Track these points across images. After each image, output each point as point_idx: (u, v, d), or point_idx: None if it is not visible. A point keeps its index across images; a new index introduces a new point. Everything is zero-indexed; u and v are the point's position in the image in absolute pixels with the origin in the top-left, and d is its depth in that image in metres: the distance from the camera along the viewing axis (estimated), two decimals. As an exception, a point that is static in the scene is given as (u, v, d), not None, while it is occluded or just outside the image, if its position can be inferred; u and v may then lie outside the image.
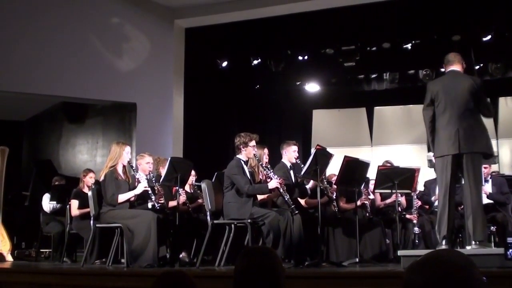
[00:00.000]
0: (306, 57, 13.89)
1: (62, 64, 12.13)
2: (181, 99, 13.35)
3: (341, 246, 8.91)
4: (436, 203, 9.85)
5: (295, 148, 9.12)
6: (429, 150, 7.21)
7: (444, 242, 6.77)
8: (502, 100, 14.78)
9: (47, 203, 11.05)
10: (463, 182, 6.94)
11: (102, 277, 7.48)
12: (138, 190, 8.48)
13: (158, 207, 8.43)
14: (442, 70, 13.26)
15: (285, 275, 2.95)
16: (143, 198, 8.68)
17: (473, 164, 6.79)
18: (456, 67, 7.19)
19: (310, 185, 9.15)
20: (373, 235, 9.16)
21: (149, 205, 8.55)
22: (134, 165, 8.98)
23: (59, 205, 10.93)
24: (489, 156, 7.02)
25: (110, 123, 13.63)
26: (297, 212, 8.02)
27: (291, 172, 9.01)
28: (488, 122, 7.24)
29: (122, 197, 8.39)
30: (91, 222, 8.66)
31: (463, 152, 6.78)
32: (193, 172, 9.66)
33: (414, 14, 12.15)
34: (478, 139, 6.84)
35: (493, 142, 14.31)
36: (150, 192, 8.49)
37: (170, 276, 3.09)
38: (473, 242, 6.64)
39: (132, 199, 8.56)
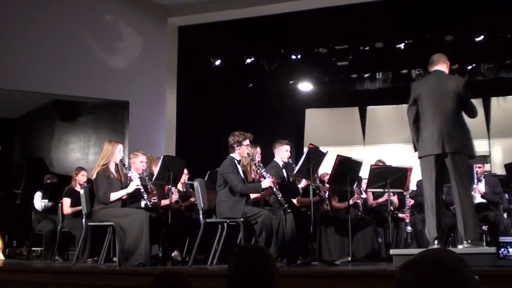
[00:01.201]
0: (299, 56, 13.88)
1: (54, 62, 12.10)
2: (174, 98, 13.34)
3: (334, 245, 8.91)
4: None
5: (287, 147, 9.13)
6: (415, 150, 7.24)
7: (436, 242, 6.78)
8: (494, 100, 14.83)
9: (39, 201, 11.03)
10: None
11: (94, 275, 7.47)
12: (130, 188, 8.46)
13: (150, 206, 8.41)
14: (430, 67, 13.42)
15: (278, 274, 2.95)
16: (135, 196, 8.66)
17: (457, 164, 6.80)
18: (441, 67, 7.20)
19: (302, 184, 9.16)
20: (366, 234, 9.17)
21: (142, 203, 8.52)
22: (126, 163, 8.97)
23: (50, 203, 10.90)
24: (472, 157, 7.03)
25: (103, 121, 13.61)
26: (289, 211, 8.02)
27: (284, 171, 9.01)
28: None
29: (114, 196, 8.37)
30: (83, 220, 8.62)
31: (446, 152, 6.80)
32: (185, 171, 9.65)
33: (407, 14, 12.17)
34: (460, 139, 6.84)
35: (485, 142, 14.51)
36: (142, 190, 8.47)
37: (168, 276, 3.10)
38: (465, 242, 6.66)
39: (124, 197, 8.54)
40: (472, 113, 7.02)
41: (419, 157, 7.05)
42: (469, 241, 6.64)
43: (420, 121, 7.05)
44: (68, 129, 14.28)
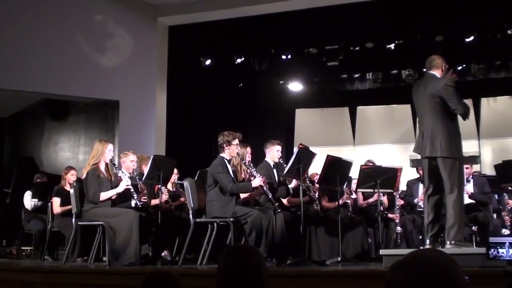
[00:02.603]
0: (289, 56, 13.88)
1: (44, 61, 12.06)
2: (164, 97, 13.31)
3: (323, 245, 8.91)
4: (420, 203, 9.93)
5: (278, 147, 9.14)
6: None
7: (428, 241, 6.83)
8: (484, 101, 14.87)
9: (29, 200, 11.00)
10: None
11: (84, 275, 7.46)
12: (120, 188, 8.45)
13: (140, 206, 8.39)
14: (425, 70, 13.43)
15: (268, 274, 2.95)
16: (125, 196, 8.65)
17: (444, 167, 6.86)
18: (433, 71, 7.24)
19: (292, 184, 9.16)
20: (355, 234, 9.18)
21: (132, 203, 8.50)
22: (116, 162, 8.95)
23: (40, 202, 10.88)
24: (458, 160, 7.03)
25: (93, 120, 13.57)
26: (279, 210, 8.03)
27: (274, 171, 9.02)
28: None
29: (104, 195, 8.36)
30: (73, 219, 8.61)
31: (427, 155, 6.90)
32: (175, 170, 9.65)
33: (398, 14, 12.17)
34: (441, 143, 6.87)
35: (475, 143, 14.54)
36: (132, 190, 8.46)
37: (157, 276, 3.10)
38: (447, 242, 6.72)
39: (114, 197, 8.53)
40: (461, 113, 7.03)
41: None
42: (452, 242, 6.70)
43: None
44: (58, 129, 14.24)
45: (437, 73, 7.21)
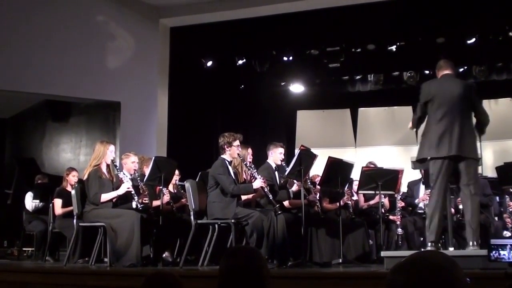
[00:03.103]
0: (291, 58, 13.87)
1: (46, 62, 12.07)
2: (165, 99, 13.32)
3: (325, 246, 8.90)
4: (420, 204, 9.92)
5: (281, 150, 9.14)
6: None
7: (429, 245, 6.80)
8: (485, 103, 14.82)
9: (30, 202, 11.01)
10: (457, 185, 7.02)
11: (85, 276, 7.46)
12: (121, 190, 8.46)
13: (141, 208, 8.38)
14: (427, 72, 13.45)
15: (269, 276, 2.95)
16: (126, 197, 8.65)
17: (469, 169, 6.86)
18: (450, 71, 7.23)
19: (294, 188, 9.14)
20: (356, 236, 9.18)
21: (133, 204, 8.50)
22: (117, 164, 8.95)
23: (41, 203, 10.89)
24: (477, 161, 7.07)
25: (94, 122, 13.58)
26: (280, 212, 8.03)
27: (276, 173, 9.01)
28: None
29: (104, 197, 8.36)
30: (74, 221, 8.61)
31: (458, 155, 6.85)
32: (176, 172, 9.64)
33: (399, 16, 12.17)
34: (470, 143, 6.90)
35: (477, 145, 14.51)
36: (133, 192, 8.45)
37: (159, 277, 3.10)
38: (473, 243, 6.72)
39: (115, 199, 8.53)
40: (485, 117, 7.08)
41: (431, 158, 6.99)
42: (475, 243, 6.73)
43: (430, 123, 7.01)
44: (60, 130, 14.25)
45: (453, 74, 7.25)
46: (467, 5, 11.76)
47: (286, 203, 9.15)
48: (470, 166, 6.90)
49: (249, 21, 12.91)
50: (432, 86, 7.19)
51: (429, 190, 9.45)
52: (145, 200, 8.65)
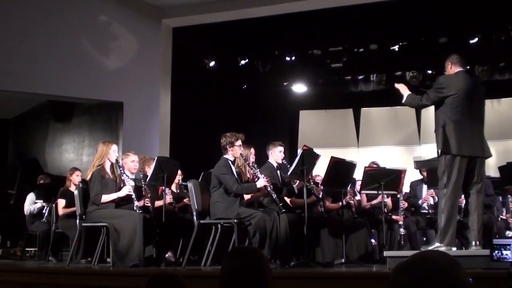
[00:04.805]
0: (293, 58, 13.88)
1: (48, 62, 12.07)
2: (168, 99, 13.33)
3: (327, 246, 8.90)
4: (424, 205, 9.92)
5: (281, 148, 9.12)
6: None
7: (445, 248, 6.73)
8: (488, 103, 14.78)
9: (28, 205, 10.98)
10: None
11: (88, 276, 7.47)
12: (122, 193, 8.44)
13: (140, 212, 8.33)
14: (429, 72, 13.44)
15: (272, 276, 2.95)
16: (128, 198, 8.64)
17: (481, 167, 6.93)
18: (464, 69, 7.23)
19: (297, 184, 9.16)
20: (359, 236, 9.17)
21: (135, 204, 8.49)
22: (121, 164, 8.95)
23: (39, 206, 10.87)
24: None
25: (97, 122, 13.59)
26: (284, 210, 8.03)
27: (278, 172, 9.01)
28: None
29: (105, 198, 8.35)
30: (77, 221, 8.60)
31: (485, 156, 6.89)
32: (179, 172, 9.64)
33: (402, 16, 12.17)
34: (487, 143, 6.95)
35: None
36: (133, 196, 8.41)
37: (161, 278, 3.10)
38: (476, 243, 6.74)
39: (116, 201, 8.53)
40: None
41: (450, 154, 6.86)
42: (477, 242, 6.74)
43: (453, 121, 6.90)
44: (62, 130, 14.26)
45: None
46: (470, 5, 11.75)
47: (288, 201, 9.16)
48: (482, 165, 6.97)
49: (252, 21, 12.91)
50: (455, 81, 7.05)
51: (432, 190, 9.52)
52: (146, 202, 8.65)
